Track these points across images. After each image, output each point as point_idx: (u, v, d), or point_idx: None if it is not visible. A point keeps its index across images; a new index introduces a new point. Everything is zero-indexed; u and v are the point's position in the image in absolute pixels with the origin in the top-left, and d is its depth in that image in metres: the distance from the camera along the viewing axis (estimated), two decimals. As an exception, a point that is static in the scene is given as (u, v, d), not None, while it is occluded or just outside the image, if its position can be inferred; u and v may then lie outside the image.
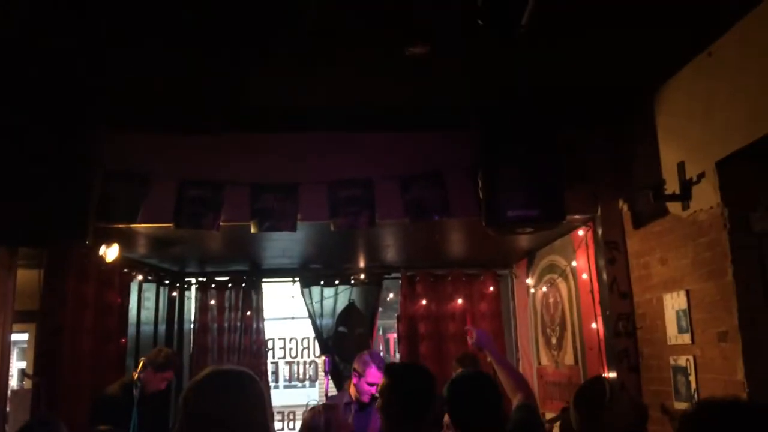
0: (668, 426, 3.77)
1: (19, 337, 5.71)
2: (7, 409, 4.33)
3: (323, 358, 4.68)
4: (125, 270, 5.75)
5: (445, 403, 2.73)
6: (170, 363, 4.64)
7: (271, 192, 4.46)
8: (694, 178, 3.77)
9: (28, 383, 4.83)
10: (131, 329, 5.83)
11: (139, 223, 4.40)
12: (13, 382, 6.81)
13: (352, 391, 4.29)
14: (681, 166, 3.91)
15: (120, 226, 4.44)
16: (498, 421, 2.72)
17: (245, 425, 1.94)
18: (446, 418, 3.17)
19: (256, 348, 6.77)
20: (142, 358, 4.33)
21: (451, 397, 2.74)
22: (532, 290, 6.50)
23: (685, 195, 3.85)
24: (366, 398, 4.20)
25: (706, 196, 3.66)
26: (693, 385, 3.77)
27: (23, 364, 7.19)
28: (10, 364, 4.56)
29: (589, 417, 2.34)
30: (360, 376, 4.22)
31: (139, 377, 4.13)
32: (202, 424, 1.92)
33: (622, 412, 2.28)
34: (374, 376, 4.14)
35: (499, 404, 2.73)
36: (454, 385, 2.80)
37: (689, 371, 3.81)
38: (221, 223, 4.42)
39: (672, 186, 3.99)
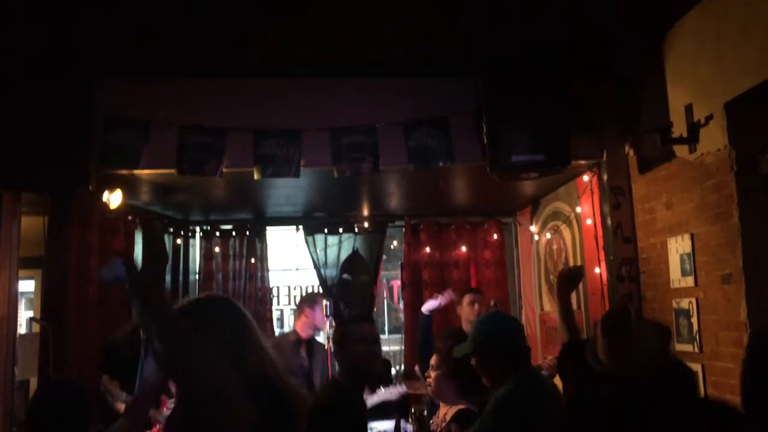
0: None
1: (25, 287, 5.75)
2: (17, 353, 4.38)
3: (325, 302, 4.71)
4: (129, 217, 5.76)
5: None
6: None
7: (274, 138, 4.41)
8: (702, 120, 3.72)
9: (36, 327, 4.88)
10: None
11: (142, 169, 4.38)
12: (22, 330, 6.88)
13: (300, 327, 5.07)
14: (689, 109, 3.85)
15: (123, 172, 4.43)
16: None
17: (219, 357, 1.78)
18: (433, 359, 3.33)
19: (261, 295, 6.84)
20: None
21: None
22: (536, 237, 6.50)
23: (692, 137, 3.81)
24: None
25: (714, 139, 3.62)
26: (695, 327, 3.80)
27: (30, 314, 7.26)
28: (18, 313, 4.60)
29: (617, 345, 2.28)
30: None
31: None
32: (171, 358, 1.76)
33: (649, 335, 2.24)
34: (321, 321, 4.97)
35: None
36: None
37: (691, 313, 3.83)
38: (224, 170, 4.40)
39: (679, 129, 3.94)
